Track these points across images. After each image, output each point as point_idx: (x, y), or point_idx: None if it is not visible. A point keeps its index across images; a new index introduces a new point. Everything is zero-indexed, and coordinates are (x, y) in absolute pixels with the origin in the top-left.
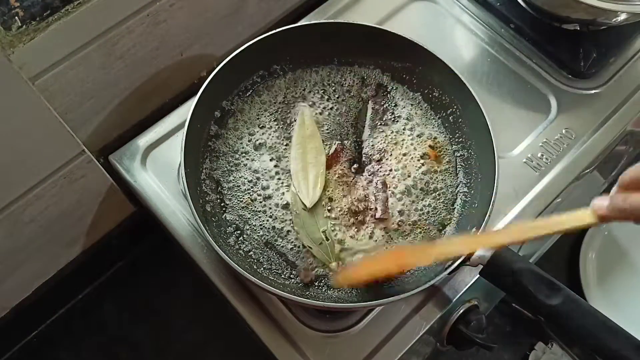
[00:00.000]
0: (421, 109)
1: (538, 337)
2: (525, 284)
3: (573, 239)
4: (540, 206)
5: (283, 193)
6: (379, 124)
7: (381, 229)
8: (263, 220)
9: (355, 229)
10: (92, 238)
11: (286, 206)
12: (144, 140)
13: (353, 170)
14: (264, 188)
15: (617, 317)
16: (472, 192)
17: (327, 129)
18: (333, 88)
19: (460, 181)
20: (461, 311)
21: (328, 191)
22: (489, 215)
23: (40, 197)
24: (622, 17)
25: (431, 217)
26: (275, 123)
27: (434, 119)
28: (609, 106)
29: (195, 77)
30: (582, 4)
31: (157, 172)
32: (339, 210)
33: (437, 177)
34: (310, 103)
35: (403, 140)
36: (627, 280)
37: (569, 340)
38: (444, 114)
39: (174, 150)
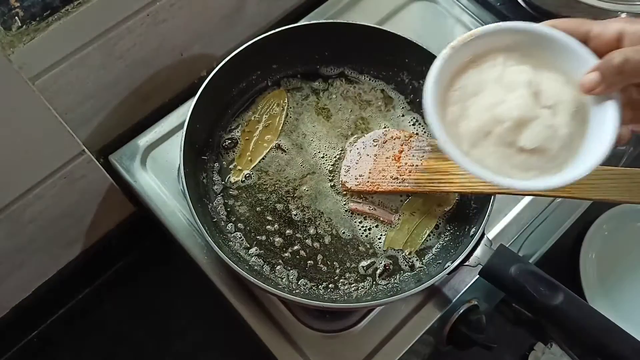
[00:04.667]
0: (421, 109)
1: (538, 337)
2: (525, 284)
3: (573, 239)
4: (540, 206)
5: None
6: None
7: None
8: (263, 222)
9: None
10: (92, 238)
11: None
12: (144, 140)
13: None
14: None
15: (617, 317)
16: None
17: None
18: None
19: None
20: (461, 311)
21: None
22: (489, 215)
23: (40, 197)
24: (622, 17)
25: None
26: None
27: None
28: None
29: (195, 77)
30: (582, 4)
31: (157, 172)
32: None
33: None
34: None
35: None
36: (628, 280)
37: (568, 340)
38: None
39: (174, 150)
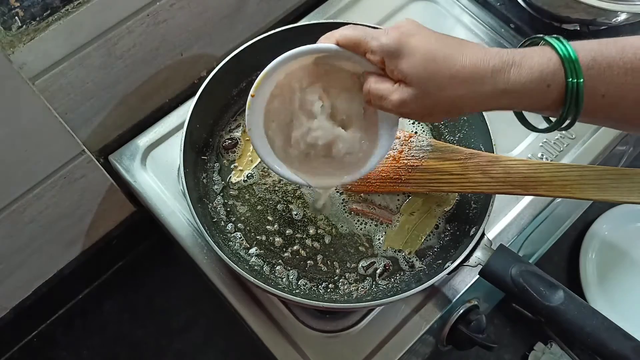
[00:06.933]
0: None
1: (538, 337)
2: (524, 284)
3: (573, 239)
4: (540, 206)
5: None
6: None
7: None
8: (264, 222)
9: None
10: (92, 238)
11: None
12: (144, 140)
13: None
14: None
15: (617, 317)
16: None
17: None
18: None
19: None
20: (461, 311)
21: None
22: (489, 215)
23: (41, 197)
24: (622, 17)
25: None
26: None
27: None
28: None
29: (195, 77)
30: (582, 4)
31: (157, 172)
32: None
33: None
34: None
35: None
36: (627, 280)
37: (568, 340)
38: None
39: (174, 150)
